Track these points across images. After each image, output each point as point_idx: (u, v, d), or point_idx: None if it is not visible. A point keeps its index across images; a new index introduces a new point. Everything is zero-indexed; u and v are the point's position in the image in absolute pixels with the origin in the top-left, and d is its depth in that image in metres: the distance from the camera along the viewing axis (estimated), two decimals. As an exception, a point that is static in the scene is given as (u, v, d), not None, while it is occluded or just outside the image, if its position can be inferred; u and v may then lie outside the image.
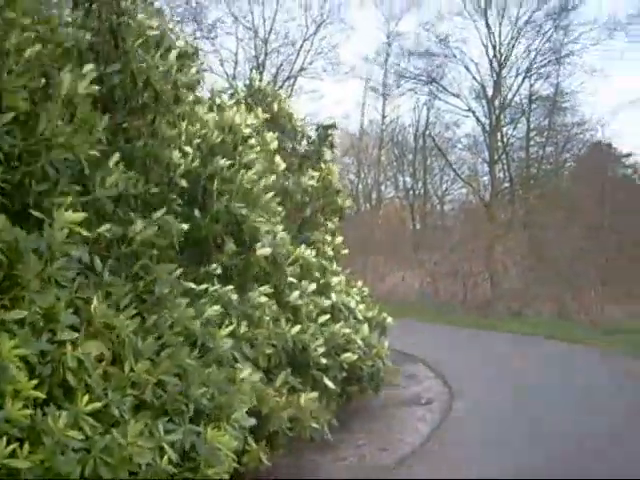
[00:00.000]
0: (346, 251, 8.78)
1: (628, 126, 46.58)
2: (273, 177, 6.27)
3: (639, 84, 29.61)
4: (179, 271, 4.51)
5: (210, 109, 6.03)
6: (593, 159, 26.42)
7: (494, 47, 25.06)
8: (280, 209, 6.53)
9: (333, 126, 9.03)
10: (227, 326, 4.83)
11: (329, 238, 7.94)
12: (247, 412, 4.56)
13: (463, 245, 21.41)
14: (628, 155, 30.24)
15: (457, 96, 26.38)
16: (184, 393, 4.01)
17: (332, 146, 9.02)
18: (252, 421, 4.61)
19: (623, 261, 19.06)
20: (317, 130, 9.06)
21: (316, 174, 8.04)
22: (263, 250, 5.65)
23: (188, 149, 5.19)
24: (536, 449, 6.64)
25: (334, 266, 7.89)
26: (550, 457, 6.37)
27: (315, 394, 5.90)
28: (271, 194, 5.96)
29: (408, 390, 9.26)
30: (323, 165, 8.32)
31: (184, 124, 5.28)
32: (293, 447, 5.91)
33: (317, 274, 7.04)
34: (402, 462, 6.36)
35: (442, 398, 8.87)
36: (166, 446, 3.67)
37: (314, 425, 5.75)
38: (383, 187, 31.37)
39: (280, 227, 6.27)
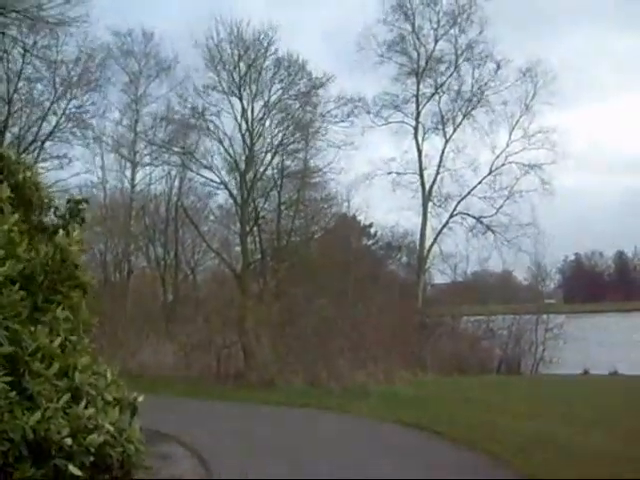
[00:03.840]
0: (93, 327, 8.14)
1: (367, 199, 50.39)
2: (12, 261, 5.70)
3: (377, 161, 32.33)
4: None
5: None
6: (339, 231, 28.07)
7: (247, 122, 25.83)
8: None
9: (84, 200, 8.47)
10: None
11: (69, 315, 7.22)
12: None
13: (216, 316, 21.31)
14: (370, 226, 32.70)
15: (210, 168, 26.65)
16: None
17: (83, 221, 8.41)
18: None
19: (368, 327, 20.18)
20: (67, 203, 8.41)
21: (49, 249, 7.29)
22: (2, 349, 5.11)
23: None
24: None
25: (81, 344, 7.26)
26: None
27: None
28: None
29: (162, 472, 8.72)
30: (61, 237, 7.60)
31: None
32: None
33: (55, 354, 6.42)
34: None
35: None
36: None
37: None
38: (134, 257, 30.44)
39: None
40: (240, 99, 25.88)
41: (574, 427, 11.00)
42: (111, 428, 6.48)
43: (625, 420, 11.71)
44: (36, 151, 25.91)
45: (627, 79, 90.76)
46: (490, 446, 9.66)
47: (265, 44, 25.89)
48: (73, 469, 5.79)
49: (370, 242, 33.48)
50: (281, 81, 26.22)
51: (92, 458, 6.16)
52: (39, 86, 26.71)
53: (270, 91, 26.08)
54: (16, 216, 6.52)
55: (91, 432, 6.22)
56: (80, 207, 8.38)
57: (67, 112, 26.83)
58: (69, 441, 5.87)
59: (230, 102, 26.10)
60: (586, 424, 11.28)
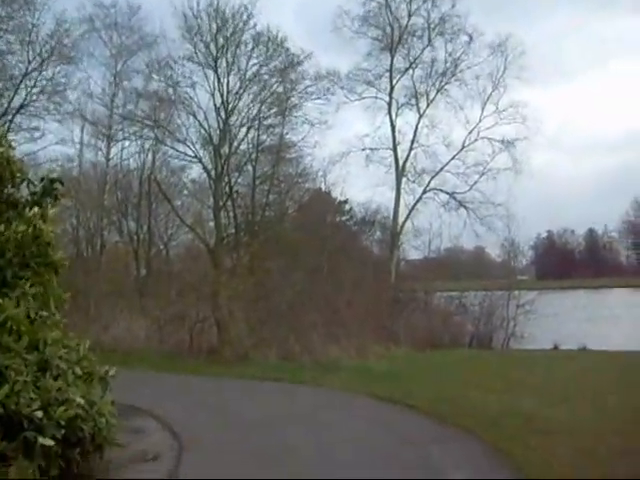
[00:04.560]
0: (66, 301, 8.04)
1: (342, 176, 50.40)
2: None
3: (351, 137, 32.35)
4: None
5: None
6: (313, 207, 28.04)
7: (222, 96, 25.58)
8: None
9: (59, 181, 8.31)
10: None
11: (39, 291, 7.12)
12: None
13: (189, 291, 21.26)
14: (344, 202, 32.67)
15: (184, 142, 26.39)
16: None
17: (56, 199, 8.25)
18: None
19: (342, 302, 20.26)
20: (42, 182, 8.24)
21: (21, 225, 7.14)
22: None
23: None
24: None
25: (52, 319, 7.19)
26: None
27: (27, 462, 5.28)
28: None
29: (135, 446, 8.71)
30: (34, 212, 7.47)
31: None
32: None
33: (24, 328, 6.37)
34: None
35: (171, 452, 8.49)
36: None
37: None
38: (106, 232, 30.13)
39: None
40: (216, 71, 25.62)
41: (544, 401, 11.15)
42: (82, 401, 6.46)
43: (594, 394, 11.89)
44: (6, 124, 25.40)
45: (600, 60, 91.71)
46: (462, 420, 9.78)
47: (244, 17, 25.64)
48: (44, 440, 5.78)
49: (344, 218, 33.49)
50: (259, 56, 26.02)
51: (63, 431, 6.14)
52: (11, 59, 26.19)
53: (247, 65, 25.87)
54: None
55: (61, 405, 6.20)
56: (54, 186, 8.23)
57: (39, 85, 26.38)
58: (39, 414, 5.85)
59: (205, 75, 25.86)
60: (556, 398, 11.44)
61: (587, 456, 7.66)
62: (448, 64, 32.23)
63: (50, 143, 27.92)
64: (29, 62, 25.91)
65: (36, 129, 26.77)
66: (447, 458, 7.99)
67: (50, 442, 5.86)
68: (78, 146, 29.57)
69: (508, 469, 7.46)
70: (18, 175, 8.03)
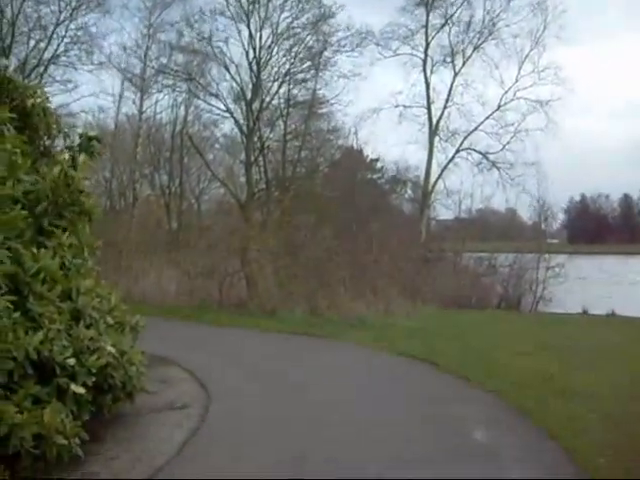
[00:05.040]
0: (98, 248, 8.18)
1: (374, 133, 50.17)
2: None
3: (385, 94, 32.05)
4: None
5: None
6: (345, 164, 27.94)
7: (254, 50, 25.35)
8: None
9: (97, 138, 8.41)
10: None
11: (74, 241, 7.24)
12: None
13: (219, 245, 21.45)
14: (376, 160, 32.53)
15: (216, 96, 26.29)
16: None
17: (92, 155, 8.36)
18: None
19: (369, 260, 20.31)
20: (80, 138, 8.34)
21: (55, 169, 7.21)
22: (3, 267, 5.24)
23: None
24: (299, 442, 6.77)
25: (85, 267, 7.34)
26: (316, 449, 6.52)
27: (61, 406, 5.47)
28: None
29: (163, 395, 8.95)
30: (66, 157, 7.55)
31: None
32: (39, 466, 5.42)
33: (58, 277, 6.52)
34: (158, 472, 6.09)
35: (199, 401, 8.70)
36: None
37: (61, 441, 5.33)
38: (139, 185, 30.39)
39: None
40: (248, 25, 25.34)
41: (569, 364, 11.16)
42: (113, 350, 6.64)
43: (619, 360, 11.87)
44: (39, 76, 25.61)
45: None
46: (486, 380, 9.86)
47: (275, -31, 25.25)
48: (76, 388, 5.97)
49: (375, 176, 33.33)
50: (291, 8, 25.67)
51: (94, 379, 6.34)
52: (44, 8, 26.24)
53: (279, 18, 25.57)
54: (19, 138, 6.50)
55: (93, 353, 6.39)
56: (92, 144, 8.33)
57: (71, 35, 26.46)
58: (72, 361, 6.03)
59: (238, 29, 25.59)
60: (581, 362, 11.44)
61: (605, 418, 7.75)
62: (486, 22, 31.60)
63: (84, 95, 28.14)
64: (60, 11, 26.01)
65: (69, 81, 26.96)
66: (469, 416, 8.08)
67: (81, 390, 6.05)
68: (111, 98, 29.71)
69: (529, 428, 7.56)
70: (54, 127, 8.14)
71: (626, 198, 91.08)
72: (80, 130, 8.60)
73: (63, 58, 26.71)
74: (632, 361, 11.68)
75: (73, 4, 26.11)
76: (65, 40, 26.54)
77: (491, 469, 6.19)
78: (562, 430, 7.24)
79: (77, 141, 8.19)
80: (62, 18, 26.08)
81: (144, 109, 29.63)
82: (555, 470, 6.22)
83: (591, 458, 6.35)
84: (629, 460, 6.34)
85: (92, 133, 8.50)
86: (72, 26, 26.54)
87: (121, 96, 29.58)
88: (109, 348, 6.56)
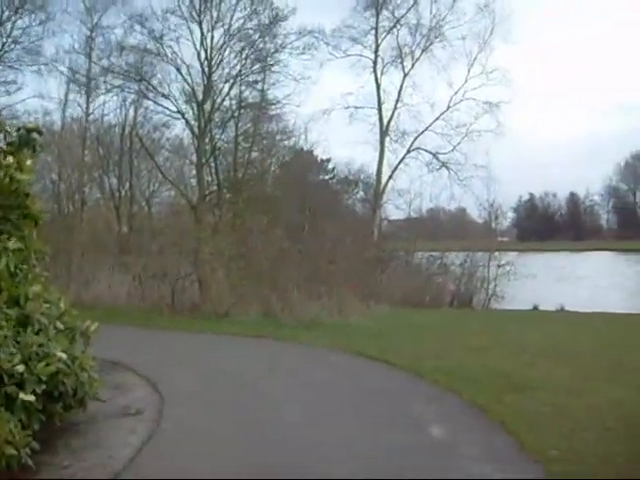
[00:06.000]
0: (46, 254, 7.97)
1: (325, 134, 50.41)
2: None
3: (335, 95, 32.24)
4: None
5: None
6: (296, 164, 27.91)
7: (206, 51, 25.15)
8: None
9: (37, 130, 8.12)
10: None
11: (21, 246, 7.02)
12: None
13: (171, 248, 21.21)
14: (327, 161, 32.62)
15: (167, 97, 26.00)
16: None
17: (35, 150, 8.07)
18: None
19: (323, 261, 20.32)
20: (18, 131, 8.04)
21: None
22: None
23: None
24: (254, 444, 6.70)
25: (33, 273, 7.15)
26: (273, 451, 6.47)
27: (9, 415, 5.31)
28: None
29: (117, 401, 8.77)
30: (9, 162, 7.29)
31: None
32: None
33: (4, 283, 6.33)
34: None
35: (153, 406, 8.56)
36: None
37: (10, 451, 5.17)
38: (87, 189, 29.82)
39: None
40: (200, 26, 25.15)
41: (522, 359, 11.34)
42: (63, 356, 6.47)
43: (570, 353, 12.10)
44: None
45: (588, 26, 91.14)
46: (441, 377, 9.92)
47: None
48: (25, 396, 5.79)
49: (327, 176, 33.42)
50: (243, 9, 25.53)
51: (44, 386, 6.17)
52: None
53: (232, 19, 25.40)
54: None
55: (42, 360, 6.21)
56: (32, 136, 8.04)
57: (15, 34, 25.86)
58: (20, 369, 5.86)
59: (189, 29, 25.36)
60: (533, 357, 11.62)
61: (558, 411, 7.89)
62: (433, 24, 31.98)
63: (28, 96, 27.52)
64: (2, 11, 25.43)
65: (13, 82, 26.37)
66: (424, 413, 8.12)
67: (31, 398, 5.87)
68: (57, 100, 29.07)
69: (484, 423, 7.64)
70: (-6, 125, 7.87)
71: (572, 196, 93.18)
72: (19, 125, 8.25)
73: (5, 58, 26.09)
74: (582, 354, 11.93)
75: (16, 3, 25.52)
76: (9, 40, 25.94)
77: (447, 464, 6.23)
78: (517, 424, 7.33)
79: (15, 135, 7.89)
80: (4, 18, 25.48)
81: (91, 111, 29.08)
82: (510, 463, 6.29)
83: (544, 451, 6.43)
84: (580, 451, 6.44)
85: (30, 125, 8.22)
86: (15, 26, 25.98)
87: (67, 97, 28.90)
88: (59, 354, 6.39)
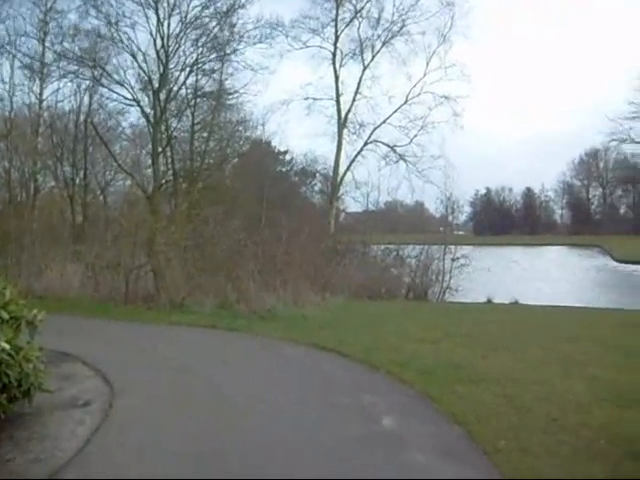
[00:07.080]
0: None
1: (283, 125, 50.24)
2: None
3: (294, 86, 32.23)
4: None
5: None
6: (254, 155, 27.76)
7: (162, 38, 24.82)
8: None
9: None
10: None
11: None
12: None
13: (126, 238, 20.92)
14: (285, 152, 32.55)
15: (122, 84, 25.59)
16: None
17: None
18: None
19: (279, 252, 20.25)
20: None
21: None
22: None
23: None
24: (205, 434, 6.64)
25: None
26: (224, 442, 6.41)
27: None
28: None
29: (65, 392, 8.61)
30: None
31: None
32: None
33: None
34: (58, 472, 5.83)
35: (102, 398, 8.41)
36: None
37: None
38: (41, 177, 29.23)
39: None
40: (156, 12, 24.79)
41: (474, 351, 11.44)
42: (7, 347, 6.32)
43: (522, 346, 12.26)
44: None
45: (548, 24, 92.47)
46: (394, 368, 9.96)
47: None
48: (-34, 388, 5.64)
49: (285, 168, 33.35)
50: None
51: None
52: None
53: (188, 7, 25.10)
54: None
55: (-16, 351, 6.06)
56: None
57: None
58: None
59: (146, 15, 24.97)
60: (486, 349, 11.74)
61: (508, 402, 7.99)
62: (395, 18, 32.09)
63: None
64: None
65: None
66: (377, 403, 8.14)
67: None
68: (8, 85, 28.36)
69: (436, 414, 7.69)
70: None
71: (528, 191, 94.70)
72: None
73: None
74: (534, 346, 12.09)
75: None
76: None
77: (397, 455, 6.26)
78: (467, 415, 7.40)
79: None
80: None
81: (44, 97, 28.48)
82: (457, 453, 6.35)
83: (493, 441, 6.51)
84: (526, 441, 6.53)
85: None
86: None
87: (13, 82, 28.08)
88: (2, 344, 6.24)
